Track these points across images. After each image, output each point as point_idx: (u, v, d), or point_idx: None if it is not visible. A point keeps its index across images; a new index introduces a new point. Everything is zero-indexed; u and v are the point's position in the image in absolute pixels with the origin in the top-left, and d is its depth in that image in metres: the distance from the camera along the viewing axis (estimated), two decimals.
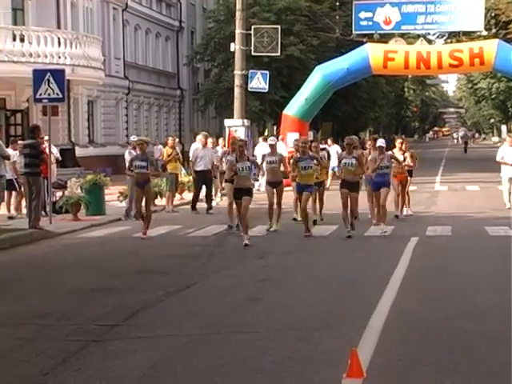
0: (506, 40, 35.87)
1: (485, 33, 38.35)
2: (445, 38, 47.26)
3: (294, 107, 32.73)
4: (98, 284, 11.18)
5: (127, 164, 20.43)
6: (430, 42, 44.10)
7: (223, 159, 18.81)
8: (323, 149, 31.91)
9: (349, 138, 17.23)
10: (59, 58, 31.44)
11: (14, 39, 30.76)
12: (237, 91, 32.90)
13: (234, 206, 15.98)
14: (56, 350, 7.47)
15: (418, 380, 6.53)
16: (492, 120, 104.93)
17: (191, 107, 51.90)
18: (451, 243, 15.21)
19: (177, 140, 24.59)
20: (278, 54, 34.16)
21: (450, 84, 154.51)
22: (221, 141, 26.36)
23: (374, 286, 10.51)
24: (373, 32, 34.38)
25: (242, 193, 15.11)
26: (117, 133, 41.58)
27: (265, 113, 42.97)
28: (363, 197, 17.95)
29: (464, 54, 31.97)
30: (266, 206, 17.34)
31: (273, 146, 17.88)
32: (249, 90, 33.64)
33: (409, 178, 19.58)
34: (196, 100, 50.75)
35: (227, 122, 32.83)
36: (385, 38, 34.73)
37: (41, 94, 18.21)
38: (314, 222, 17.63)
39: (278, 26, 34.28)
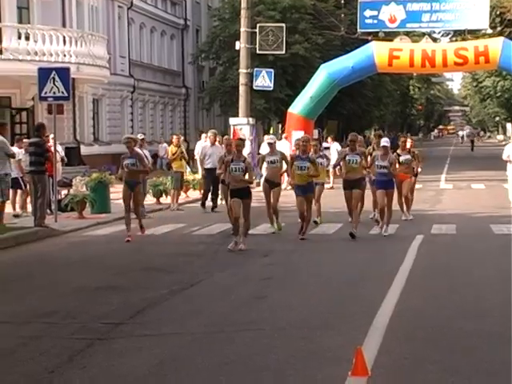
0: (510, 38, 35.75)
1: (490, 31, 38.24)
2: (450, 36, 47.19)
3: (298, 105, 32.72)
4: (103, 282, 11.20)
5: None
6: (435, 40, 44.04)
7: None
8: (327, 148, 32.09)
9: (353, 134, 16.70)
10: (64, 56, 31.48)
11: (20, 37, 30.82)
12: (242, 89, 32.89)
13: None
14: (61, 349, 7.47)
15: (423, 378, 6.53)
16: (497, 118, 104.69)
17: (196, 105, 51.91)
18: (456, 241, 15.19)
19: (182, 138, 24.54)
20: (283, 52, 34.14)
21: (455, 82, 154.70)
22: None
23: (379, 285, 10.51)
24: (378, 30, 34.35)
25: (239, 193, 14.22)
26: (122, 131, 41.50)
27: (270, 111, 42.96)
28: (368, 196, 17.92)
29: (469, 52, 31.93)
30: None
31: (272, 145, 17.15)
32: (254, 88, 33.62)
33: (413, 179, 18.92)
34: (201, 98, 50.75)
35: (232, 121, 32.83)
36: (390, 36, 34.73)
37: (46, 93, 18.22)
38: (316, 223, 17.22)
39: (283, 25, 34.26)
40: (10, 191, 18.29)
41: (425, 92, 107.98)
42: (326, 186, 26.29)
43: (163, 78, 48.03)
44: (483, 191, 27.36)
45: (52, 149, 18.46)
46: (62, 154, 22.59)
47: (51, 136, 18.84)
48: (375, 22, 34.40)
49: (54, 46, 31.38)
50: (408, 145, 18.82)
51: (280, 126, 39.52)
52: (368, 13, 34.53)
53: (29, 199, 18.85)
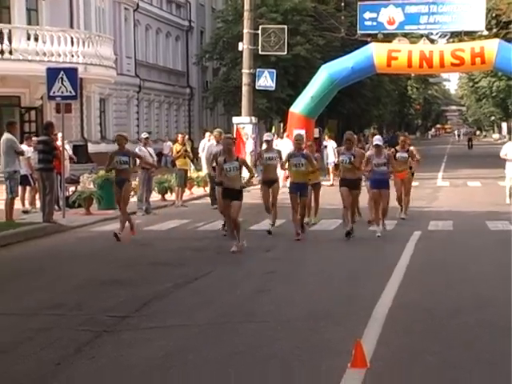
0: (506, 40, 35.72)
1: (486, 33, 38.25)
2: (447, 37, 47.18)
3: (300, 105, 32.72)
4: (110, 275, 11.20)
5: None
6: (432, 41, 44.03)
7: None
8: (326, 146, 32.06)
9: (349, 133, 15.80)
10: (72, 56, 31.49)
11: (29, 38, 30.82)
12: (245, 89, 32.91)
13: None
14: (69, 340, 7.47)
15: (422, 370, 6.51)
16: (493, 118, 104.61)
17: (200, 105, 51.88)
18: (453, 237, 15.18)
19: (186, 137, 24.51)
20: (285, 53, 34.18)
21: (452, 82, 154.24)
22: None
23: (378, 279, 10.49)
24: (377, 32, 34.35)
25: (230, 194, 13.49)
26: (128, 130, 41.44)
27: (272, 110, 42.95)
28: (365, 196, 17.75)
29: (465, 54, 31.91)
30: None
31: (269, 142, 16.43)
32: (256, 88, 33.64)
33: (411, 177, 18.64)
34: (205, 98, 50.73)
35: (235, 120, 32.85)
36: (388, 38, 34.68)
37: (54, 92, 18.21)
38: (307, 224, 16.09)
39: (285, 26, 34.28)
40: (20, 188, 18.32)
41: (422, 92, 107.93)
42: (327, 183, 26.41)
43: (168, 78, 48.01)
44: (479, 189, 27.33)
45: (60, 147, 18.45)
46: (70, 152, 22.60)
47: (59, 134, 18.83)
48: (374, 23, 34.40)
49: (62, 46, 31.40)
50: (405, 144, 18.48)
51: (282, 124, 39.46)
52: (367, 15, 34.54)
53: (37, 196, 18.86)
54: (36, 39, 30.94)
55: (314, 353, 6.99)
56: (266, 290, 10.05)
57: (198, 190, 25.22)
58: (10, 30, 30.55)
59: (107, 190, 19.92)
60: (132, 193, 21.66)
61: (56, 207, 18.06)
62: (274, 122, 48.07)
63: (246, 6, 32.94)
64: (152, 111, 45.83)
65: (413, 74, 69.57)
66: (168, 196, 22.93)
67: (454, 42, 40.04)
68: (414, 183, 20.37)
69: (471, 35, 36.60)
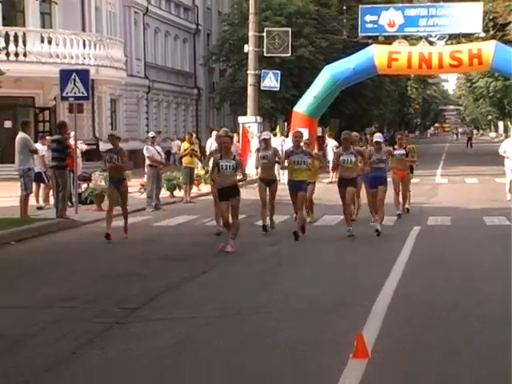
0: (503, 41, 35.67)
1: (483, 34, 38.04)
2: (445, 39, 46.92)
3: (303, 105, 32.68)
4: (121, 269, 11.21)
5: (146, 157, 20.45)
6: (431, 43, 43.81)
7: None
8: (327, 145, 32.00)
9: (346, 132, 15.26)
10: (84, 58, 31.53)
11: (42, 41, 30.88)
12: (250, 90, 32.89)
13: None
14: (81, 332, 7.47)
15: (422, 360, 6.51)
16: (489, 117, 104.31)
17: (207, 105, 51.88)
18: (451, 232, 15.16)
19: (194, 136, 24.49)
20: (289, 54, 34.16)
21: (450, 83, 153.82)
22: (235, 136, 26.32)
23: (379, 272, 10.47)
24: (378, 34, 34.27)
25: (227, 193, 12.92)
26: (138, 129, 41.61)
27: (276, 110, 42.91)
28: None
29: (463, 55, 31.82)
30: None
31: (266, 141, 15.46)
32: (261, 88, 33.62)
33: (410, 175, 18.34)
34: (212, 98, 50.71)
35: (241, 119, 32.84)
36: (389, 40, 34.58)
37: (67, 93, 18.22)
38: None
39: (289, 29, 34.25)
40: (34, 185, 18.35)
41: (422, 92, 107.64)
42: (326, 180, 26.40)
43: (176, 79, 48.00)
44: (476, 185, 27.28)
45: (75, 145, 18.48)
46: (84, 148, 22.71)
47: (72, 133, 18.85)
48: (375, 26, 34.33)
49: (74, 49, 31.46)
50: (403, 142, 18.21)
51: (286, 124, 39.41)
52: (368, 18, 34.47)
53: (51, 192, 18.87)
54: (49, 42, 30.99)
55: (317, 343, 6.99)
56: (271, 282, 10.05)
57: (205, 187, 25.20)
58: (24, 33, 30.59)
59: None
60: (142, 189, 21.79)
61: (69, 203, 18.09)
62: (278, 122, 48.06)
63: (252, 10, 32.92)
64: (161, 111, 45.83)
65: (412, 75, 69.45)
66: (176, 193, 22.93)
67: (452, 43, 39.89)
68: (413, 180, 20.35)
69: (469, 37, 36.48)
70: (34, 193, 19.00)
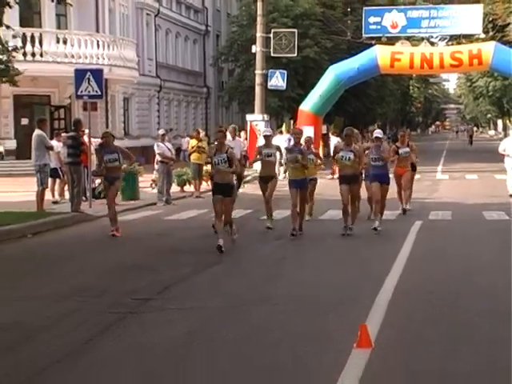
0: (502, 42, 35.55)
1: (483, 36, 37.95)
2: (446, 40, 46.78)
3: (309, 103, 32.65)
4: (134, 261, 11.23)
5: (157, 155, 20.47)
6: (432, 44, 43.71)
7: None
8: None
9: (348, 128, 14.54)
10: (98, 58, 31.54)
11: (58, 42, 30.92)
12: (258, 89, 32.88)
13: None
14: (95, 322, 7.48)
15: (424, 350, 6.50)
16: (489, 115, 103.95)
17: (216, 103, 51.86)
18: (452, 227, 15.13)
19: (203, 133, 24.47)
20: (295, 55, 34.12)
21: (451, 82, 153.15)
22: (243, 133, 26.32)
23: (381, 266, 10.46)
24: (381, 35, 34.22)
25: (221, 189, 12.37)
26: (149, 126, 41.64)
27: (283, 108, 42.86)
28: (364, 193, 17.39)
29: (464, 55, 31.74)
30: (278, 192, 16.29)
31: (268, 138, 14.84)
32: (268, 87, 33.58)
33: (412, 173, 17.74)
34: (221, 97, 50.68)
35: (249, 117, 32.80)
36: (392, 41, 34.53)
37: (82, 92, 18.25)
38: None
39: (295, 30, 34.20)
40: (50, 180, 18.38)
41: (423, 91, 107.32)
42: (328, 176, 26.33)
43: (186, 78, 47.98)
44: (476, 181, 27.20)
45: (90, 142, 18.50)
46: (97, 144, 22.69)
47: (86, 131, 18.87)
48: (378, 27, 34.28)
49: (88, 49, 31.49)
50: (405, 139, 17.82)
51: (292, 122, 39.36)
52: (372, 19, 34.42)
53: (66, 187, 18.90)
54: (65, 42, 31.03)
55: (322, 334, 7.00)
56: (277, 275, 10.06)
57: None
58: (40, 34, 30.65)
59: (130, 182, 20.01)
60: (153, 185, 21.81)
61: (83, 198, 18.11)
62: (284, 120, 48.03)
63: (259, 12, 32.90)
64: (171, 109, 45.83)
65: (414, 75, 69.28)
66: (187, 188, 22.95)
67: (452, 44, 39.74)
68: (415, 176, 20.03)
69: (469, 38, 36.38)
70: (50, 188, 19.03)
